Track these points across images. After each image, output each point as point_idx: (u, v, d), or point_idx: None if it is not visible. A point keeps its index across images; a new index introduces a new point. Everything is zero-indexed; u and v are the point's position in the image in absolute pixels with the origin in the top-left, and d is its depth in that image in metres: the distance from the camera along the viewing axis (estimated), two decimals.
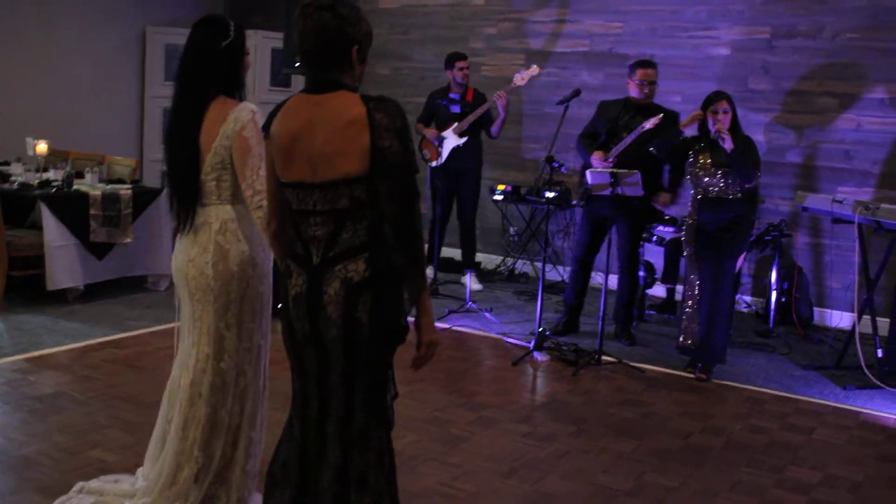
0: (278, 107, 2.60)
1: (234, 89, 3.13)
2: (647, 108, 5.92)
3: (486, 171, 8.53)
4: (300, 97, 2.55)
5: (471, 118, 7.23)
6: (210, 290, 3.09)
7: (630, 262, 6.04)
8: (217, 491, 3.20)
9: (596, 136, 6.09)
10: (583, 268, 6.26)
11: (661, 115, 5.69)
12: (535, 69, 6.95)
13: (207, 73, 3.06)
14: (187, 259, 3.12)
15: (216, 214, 3.10)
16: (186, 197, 3.11)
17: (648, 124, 5.66)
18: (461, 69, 7.34)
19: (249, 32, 9.25)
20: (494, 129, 7.34)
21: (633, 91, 5.90)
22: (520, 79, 7.02)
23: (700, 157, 5.43)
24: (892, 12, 6.67)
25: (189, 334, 3.19)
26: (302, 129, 2.48)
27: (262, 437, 3.33)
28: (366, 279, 2.45)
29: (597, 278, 6.48)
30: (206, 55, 3.06)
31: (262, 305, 3.20)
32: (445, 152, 7.38)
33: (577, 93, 5.96)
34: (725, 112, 5.29)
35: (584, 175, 5.88)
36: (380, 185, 2.43)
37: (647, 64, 5.94)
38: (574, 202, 7.16)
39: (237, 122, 3.02)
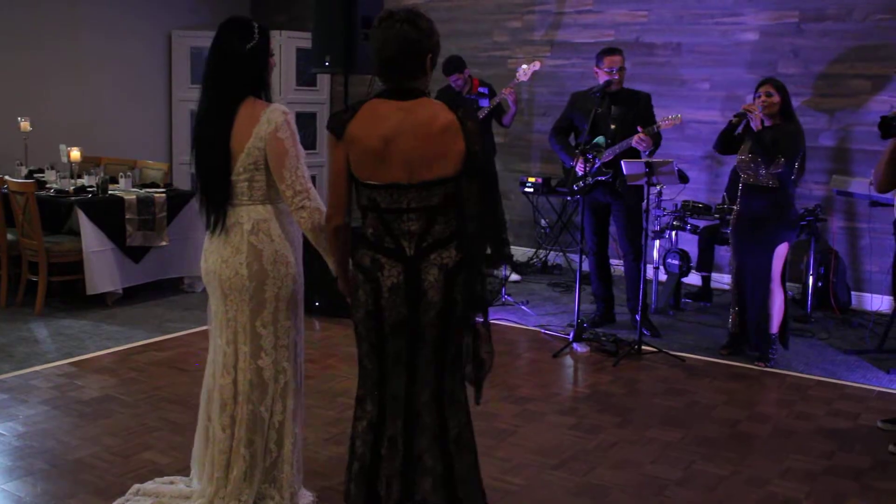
0: (348, 111, 2.74)
1: (260, 90, 3.13)
2: (618, 94, 5.99)
3: (515, 163, 8.55)
4: (382, 102, 2.73)
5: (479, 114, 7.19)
6: (245, 289, 3.10)
7: (633, 249, 6.01)
8: (268, 490, 3.23)
9: (570, 130, 6.19)
10: (597, 258, 6.27)
11: (646, 132, 5.71)
12: (536, 64, 6.94)
13: (234, 75, 3.06)
14: (220, 260, 3.13)
15: (248, 215, 3.10)
16: (217, 198, 3.11)
17: (635, 143, 5.72)
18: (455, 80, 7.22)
19: (274, 33, 9.32)
20: (506, 120, 7.28)
21: (603, 79, 5.92)
22: (522, 74, 6.99)
23: (741, 145, 5.39)
24: None
25: (221, 334, 3.20)
26: (393, 133, 2.69)
27: (303, 433, 3.36)
28: (458, 263, 2.76)
29: (620, 266, 6.45)
30: (231, 58, 3.05)
31: (297, 302, 3.22)
32: None
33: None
34: (769, 95, 5.21)
35: (573, 169, 5.89)
36: (470, 184, 2.73)
37: (613, 51, 5.99)
38: (567, 198, 7.26)
39: (270, 124, 3.02)
